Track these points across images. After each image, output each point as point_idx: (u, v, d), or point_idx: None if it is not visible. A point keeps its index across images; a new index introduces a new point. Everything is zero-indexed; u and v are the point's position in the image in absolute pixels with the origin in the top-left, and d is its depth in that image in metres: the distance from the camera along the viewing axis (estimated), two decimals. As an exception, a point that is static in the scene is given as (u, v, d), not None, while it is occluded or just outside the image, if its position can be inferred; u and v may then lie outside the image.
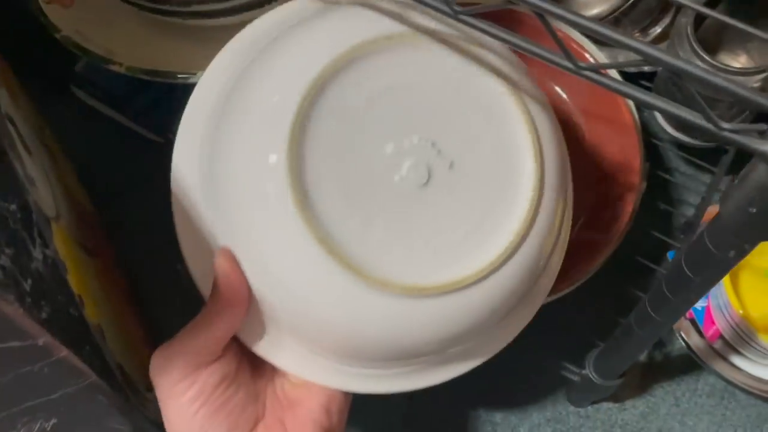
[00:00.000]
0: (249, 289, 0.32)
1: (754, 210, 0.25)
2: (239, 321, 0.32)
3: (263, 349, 0.34)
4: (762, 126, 0.23)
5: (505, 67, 0.34)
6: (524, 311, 0.38)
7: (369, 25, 0.33)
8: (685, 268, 0.31)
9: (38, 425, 0.31)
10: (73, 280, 0.34)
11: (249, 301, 0.32)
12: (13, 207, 0.29)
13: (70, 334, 0.29)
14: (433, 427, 0.53)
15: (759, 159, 0.23)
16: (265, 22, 0.36)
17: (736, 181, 0.26)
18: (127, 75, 0.45)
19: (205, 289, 0.33)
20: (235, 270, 0.32)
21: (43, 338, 0.26)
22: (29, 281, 0.27)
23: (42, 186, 0.37)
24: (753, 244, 0.27)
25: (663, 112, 0.25)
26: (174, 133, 0.59)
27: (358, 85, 0.32)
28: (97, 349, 0.32)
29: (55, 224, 0.36)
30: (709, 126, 0.23)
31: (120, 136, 0.61)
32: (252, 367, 0.35)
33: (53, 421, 0.31)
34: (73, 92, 0.61)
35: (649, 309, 0.36)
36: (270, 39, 0.34)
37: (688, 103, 0.24)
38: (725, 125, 0.23)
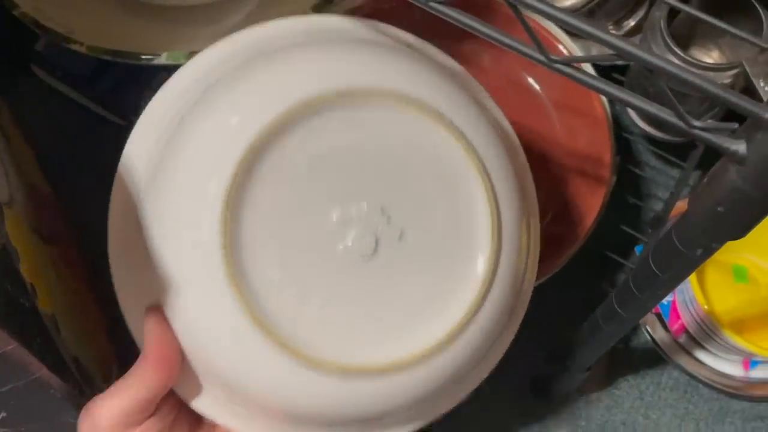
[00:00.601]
0: (179, 351, 0.31)
1: (722, 209, 0.24)
2: (170, 381, 0.31)
3: (200, 404, 0.32)
4: (733, 125, 0.22)
5: (458, 115, 0.32)
6: (481, 367, 0.36)
7: (312, 79, 0.30)
8: (653, 265, 0.31)
9: (-15, 420, 0.29)
10: (25, 268, 0.33)
11: (179, 363, 0.31)
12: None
13: (19, 326, 0.28)
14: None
15: (729, 158, 0.23)
16: (206, 61, 0.33)
17: (705, 180, 0.25)
18: (89, 55, 0.43)
19: (140, 342, 0.32)
20: (165, 332, 0.30)
21: (-10, 332, 0.25)
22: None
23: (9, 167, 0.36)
24: (720, 243, 0.27)
25: (635, 108, 0.24)
26: (137, 115, 0.57)
27: (301, 148, 0.29)
28: (50, 341, 0.31)
29: (7, 209, 0.35)
30: (680, 123, 0.23)
31: (82, 118, 0.59)
32: (190, 418, 0.33)
33: (2, 414, 0.30)
34: (34, 72, 0.59)
35: (615, 305, 0.36)
36: (206, 86, 0.32)
37: (660, 97, 0.24)
38: (696, 123, 0.23)
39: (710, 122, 0.22)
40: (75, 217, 0.54)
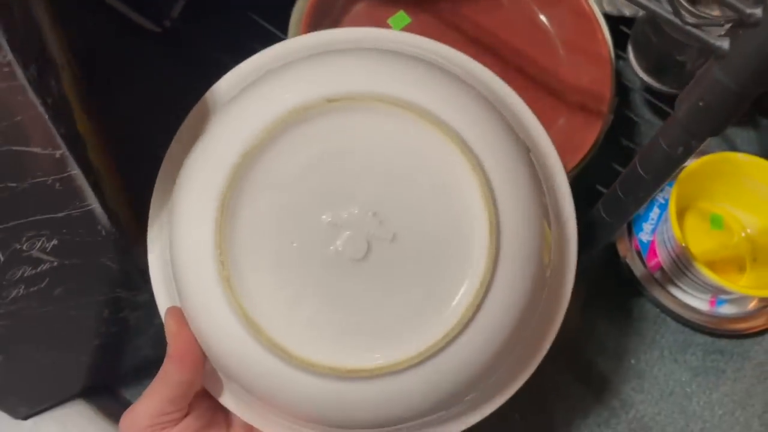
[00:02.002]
0: (199, 347, 0.32)
1: (703, 104, 0.28)
2: (196, 376, 0.32)
3: (226, 400, 0.34)
4: (721, 22, 0.26)
5: (456, 117, 0.31)
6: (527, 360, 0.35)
7: (305, 87, 0.31)
8: (639, 168, 0.34)
9: (40, 243, 0.33)
10: (77, 119, 0.36)
11: (201, 359, 0.32)
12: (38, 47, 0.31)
13: (76, 161, 0.31)
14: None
15: (714, 54, 0.27)
16: (228, 80, 0.37)
17: (691, 82, 0.29)
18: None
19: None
20: (184, 328, 0.32)
21: (60, 151, 0.29)
22: (50, 99, 0.29)
23: (49, 33, 0.39)
24: (700, 140, 0.31)
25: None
26: (171, 21, 0.60)
27: (295, 152, 0.30)
28: (99, 187, 0.35)
29: (62, 71, 0.38)
30: (676, 20, 0.27)
31: (116, 24, 0.62)
32: (227, 419, 0.35)
33: (54, 242, 0.34)
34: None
35: (602, 212, 0.40)
36: (225, 102, 0.34)
37: (663, 47, 0.27)
38: (689, 19, 0.26)
39: (701, 20, 0.26)
40: (102, 117, 0.58)
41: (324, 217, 0.30)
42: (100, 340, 0.45)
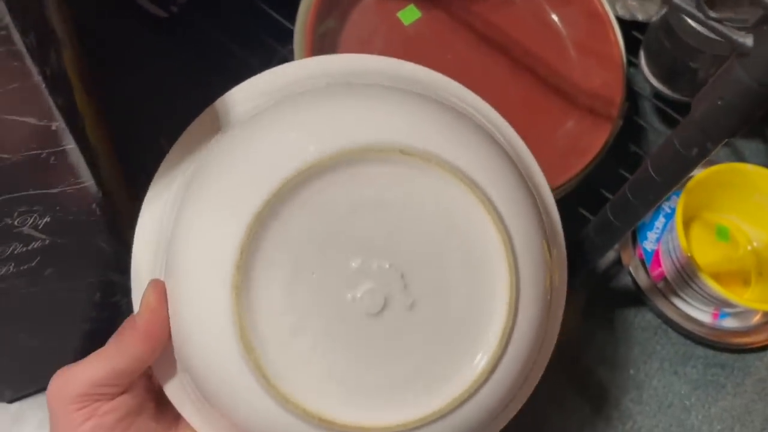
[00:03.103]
0: (169, 333, 0.30)
1: (722, 103, 0.27)
2: (152, 358, 0.30)
3: (173, 392, 0.32)
4: (745, 18, 0.25)
5: (486, 179, 0.31)
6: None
7: (328, 136, 0.30)
8: (650, 169, 0.34)
9: (32, 219, 0.32)
10: (77, 98, 0.35)
11: (166, 342, 0.30)
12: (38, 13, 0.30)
13: (73, 136, 0.30)
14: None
15: (737, 51, 0.26)
16: (245, 93, 0.35)
17: (711, 80, 0.28)
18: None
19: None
20: (162, 306, 0.30)
21: (57, 123, 0.28)
22: (48, 70, 0.28)
23: (51, 6, 0.38)
24: (715, 142, 0.30)
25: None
26: (178, 6, 0.59)
27: (343, 191, 0.29)
28: (95, 165, 0.34)
29: (62, 46, 0.37)
30: (698, 14, 0.26)
31: (123, 8, 0.61)
32: (157, 404, 0.33)
33: (46, 219, 0.33)
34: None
35: (609, 215, 0.39)
36: (246, 120, 0.33)
37: (676, 53, 0.26)
38: (712, 14, 0.26)
39: (724, 15, 0.25)
40: (106, 104, 0.57)
41: (354, 260, 0.30)
42: (90, 324, 0.44)
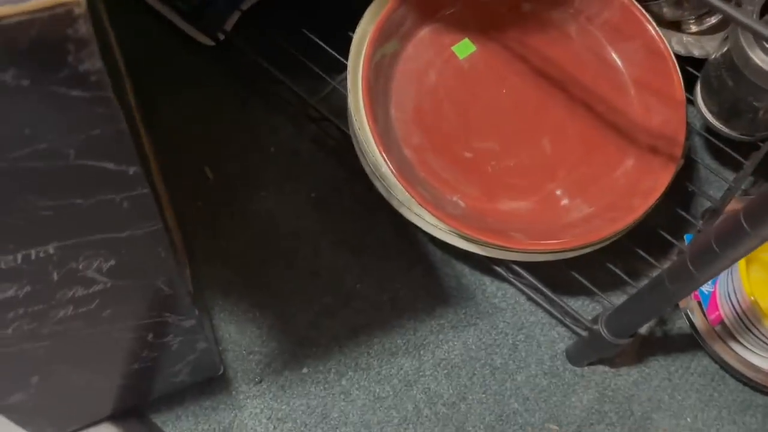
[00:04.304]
0: None
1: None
2: None
3: None
4: None
5: None
6: None
7: None
8: (714, 244, 0.32)
9: (97, 263, 0.31)
10: (143, 139, 0.34)
11: None
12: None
13: (149, 180, 0.29)
14: (437, 357, 0.54)
15: None
16: None
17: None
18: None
19: None
20: None
21: (134, 168, 0.27)
22: (124, 112, 0.27)
23: (113, 41, 0.38)
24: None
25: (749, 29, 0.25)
26: (224, 32, 0.58)
27: None
28: (160, 206, 0.33)
29: (125, 80, 0.37)
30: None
31: (170, 36, 0.60)
32: None
33: (111, 262, 0.31)
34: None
35: (666, 281, 0.37)
36: None
37: (739, 92, 0.24)
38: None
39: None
40: (151, 129, 0.56)
41: None
42: (140, 363, 0.42)
